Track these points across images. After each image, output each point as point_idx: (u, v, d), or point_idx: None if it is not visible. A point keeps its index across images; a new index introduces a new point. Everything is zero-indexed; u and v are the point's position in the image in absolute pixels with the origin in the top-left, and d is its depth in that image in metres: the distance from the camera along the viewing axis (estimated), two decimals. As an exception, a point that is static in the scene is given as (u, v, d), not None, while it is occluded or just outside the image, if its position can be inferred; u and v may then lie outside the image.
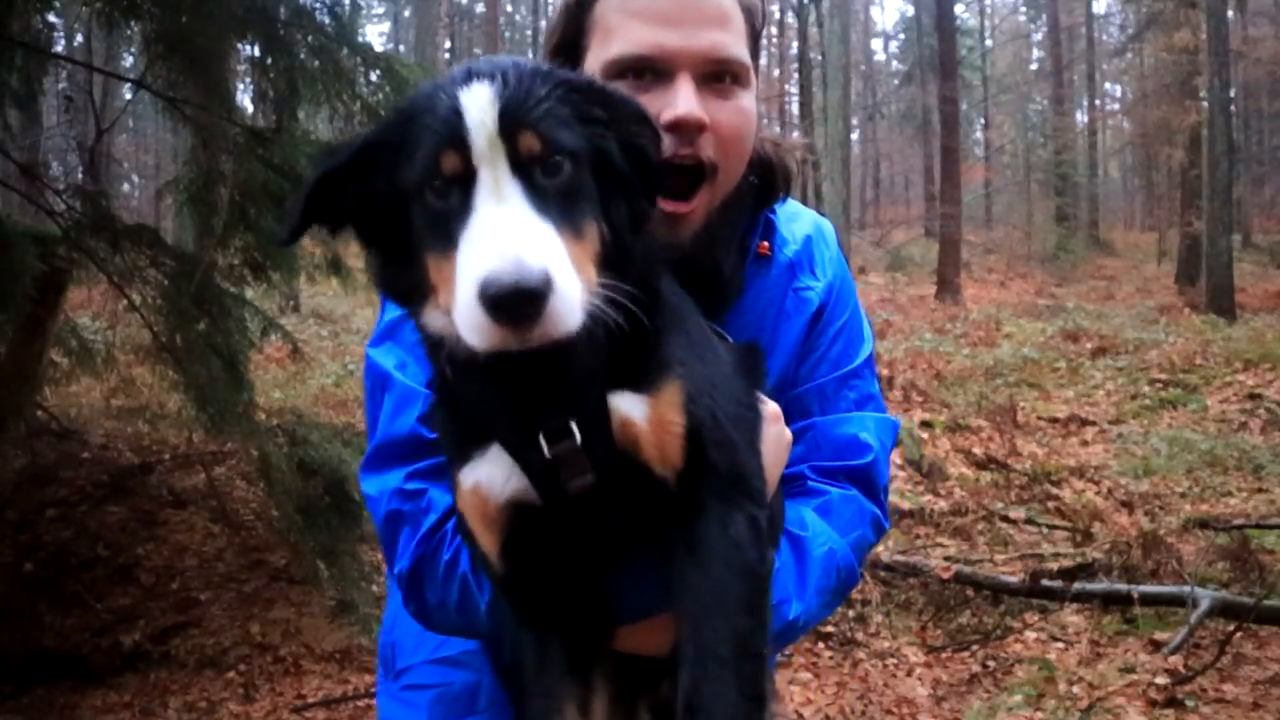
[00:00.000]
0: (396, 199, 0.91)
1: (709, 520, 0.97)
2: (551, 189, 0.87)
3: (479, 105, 0.87)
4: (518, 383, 0.92)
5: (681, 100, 1.11)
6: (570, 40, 1.17)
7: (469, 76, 0.90)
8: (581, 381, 0.94)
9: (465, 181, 0.86)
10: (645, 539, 1.03)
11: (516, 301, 0.78)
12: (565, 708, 1.04)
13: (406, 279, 0.94)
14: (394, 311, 1.20)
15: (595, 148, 0.93)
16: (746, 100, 1.20)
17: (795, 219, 1.40)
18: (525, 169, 0.86)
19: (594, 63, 1.15)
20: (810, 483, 1.31)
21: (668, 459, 0.96)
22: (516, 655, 1.07)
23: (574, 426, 0.94)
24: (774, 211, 1.38)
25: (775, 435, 1.15)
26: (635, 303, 0.90)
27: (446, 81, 0.91)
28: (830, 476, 1.31)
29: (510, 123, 0.86)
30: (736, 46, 1.17)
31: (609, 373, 0.96)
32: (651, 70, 1.13)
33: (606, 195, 0.93)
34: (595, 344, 0.91)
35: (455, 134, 0.86)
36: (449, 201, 0.87)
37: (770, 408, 1.17)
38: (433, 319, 0.94)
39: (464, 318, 0.82)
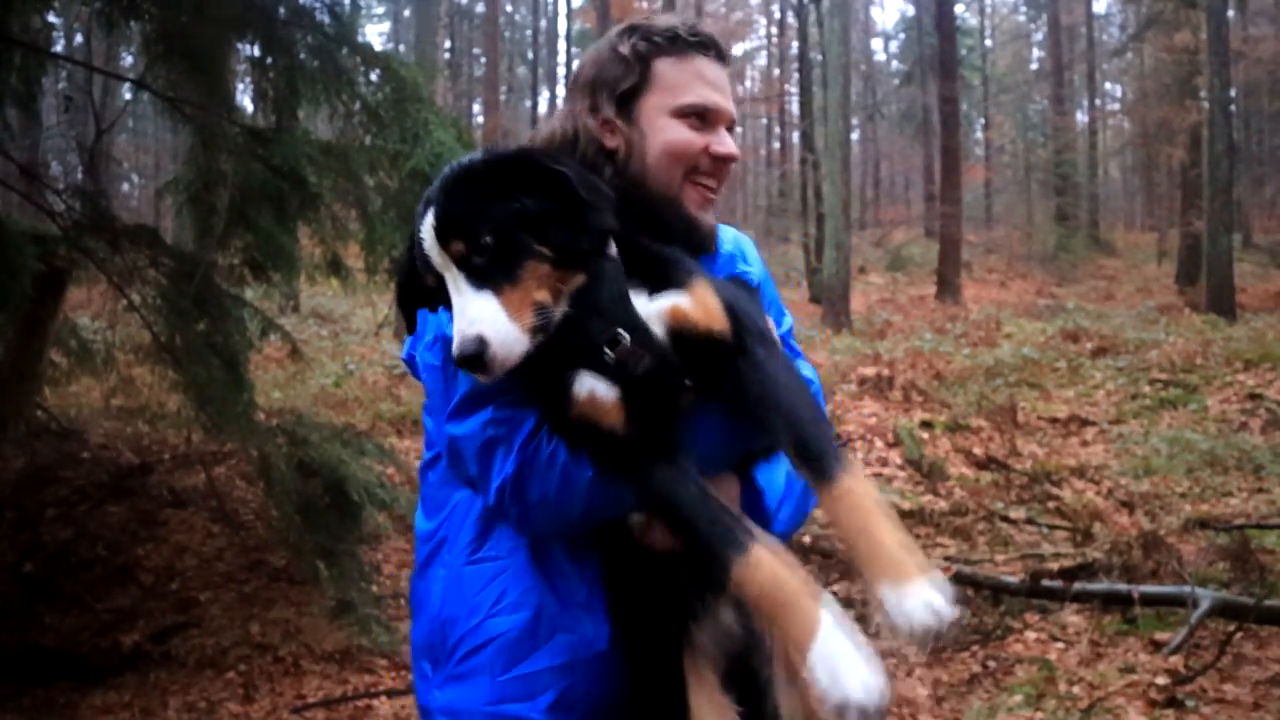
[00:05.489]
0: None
1: (761, 355, 1.33)
2: (485, 263, 1.23)
3: (428, 233, 1.26)
4: (570, 337, 1.29)
5: (729, 142, 1.55)
6: (634, 88, 1.51)
7: (426, 205, 1.29)
8: (613, 309, 1.31)
9: (443, 283, 1.27)
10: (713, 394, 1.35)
11: (467, 363, 1.21)
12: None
13: None
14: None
15: (511, 211, 1.26)
16: None
17: (722, 228, 1.74)
18: (464, 261, 1.24)
19: (657, 104, 1.51)
20: None
21: (716, 322, 1.33)
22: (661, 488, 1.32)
23: (622, 333, 1.29)
24: None
25: None
26: (638, 248, 1.37)
27: (420, 211, 1.31)
28: None
29: (444, 238, 1.25)
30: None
31: (652, 290, 1.34)
32: (706, 116, 1.52)
33: (542, 230, 1.26)
34: (613, 285, 1.32)
35: (426, 263, 1.27)
36: (444, 293, 1.29)
37: None
38: None
39: None
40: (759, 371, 1.31)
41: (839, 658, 1.13)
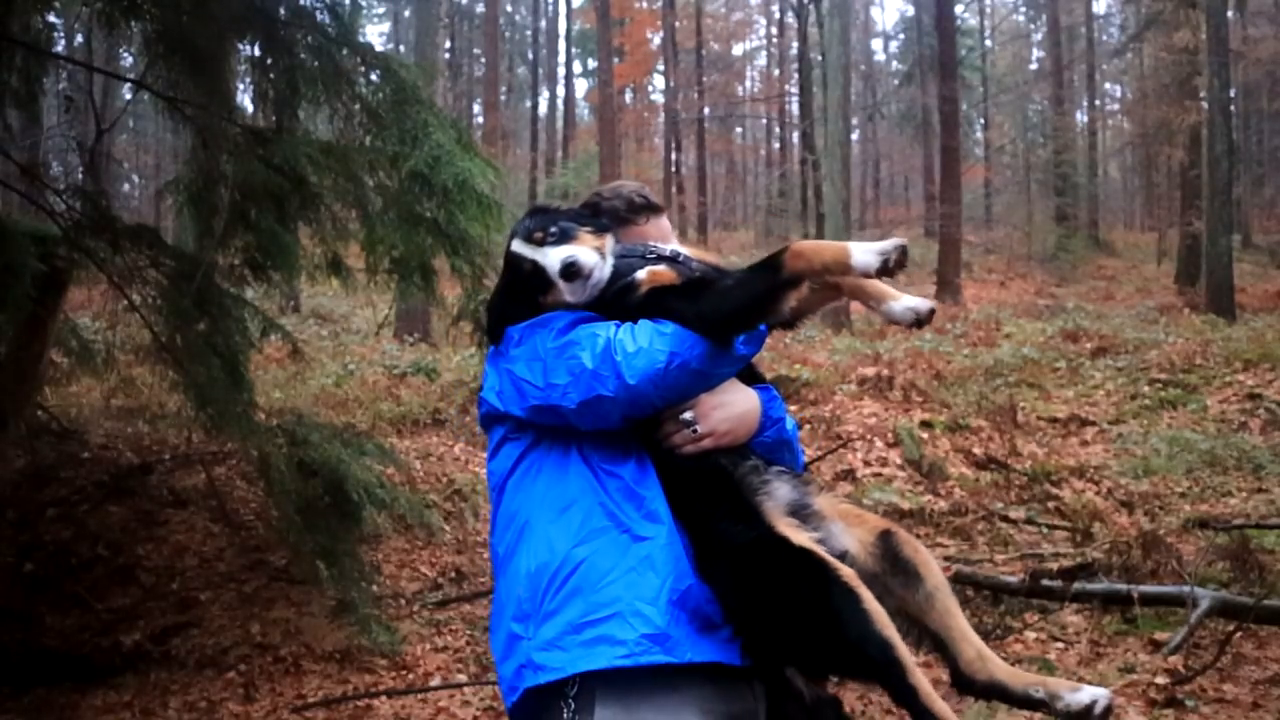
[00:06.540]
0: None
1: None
2: (556, 239, 1.94)
3: (519, 239, 1.99)
4: (623, 265, 1.96)
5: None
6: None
7: (513, 233, 2.03)
8: (641, 246, 2.03)
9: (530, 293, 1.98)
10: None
11: (566, 273, 1.88)
12: None
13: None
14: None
15: (562, 215, 2.02)
16: None
17: None
18: (544, 240, 1.94)
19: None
20: None
21: (715, 254, 2.14)
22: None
23: (653, 244, 2.04)
24: None
25: None
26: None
27: (509, 237, 2.06)
28: None
29: (527, 235, 1.97)
30: None
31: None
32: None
33: (580, 221, 2.01)
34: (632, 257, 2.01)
35: (519, 259, 1.98)
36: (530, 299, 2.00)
37: None
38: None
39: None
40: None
41: (875, 248, 1.62)
